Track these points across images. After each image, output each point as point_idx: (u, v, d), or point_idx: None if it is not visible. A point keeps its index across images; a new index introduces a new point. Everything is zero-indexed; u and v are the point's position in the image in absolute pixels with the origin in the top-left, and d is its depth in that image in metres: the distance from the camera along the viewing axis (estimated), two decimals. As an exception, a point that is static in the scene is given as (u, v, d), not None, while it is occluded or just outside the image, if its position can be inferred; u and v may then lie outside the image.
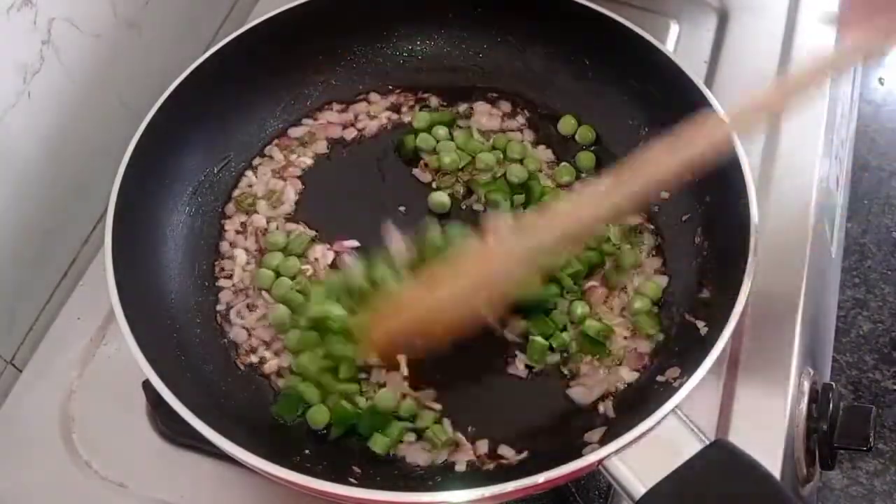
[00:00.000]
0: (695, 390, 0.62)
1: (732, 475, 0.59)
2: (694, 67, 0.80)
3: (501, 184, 0.82)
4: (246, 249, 0.80)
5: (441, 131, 0.85)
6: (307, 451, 0.69)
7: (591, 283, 0.77)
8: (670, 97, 0.79)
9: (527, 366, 0.73)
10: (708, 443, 0.60)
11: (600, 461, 0.60)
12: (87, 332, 0.82)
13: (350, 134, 0.87)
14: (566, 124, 0.86)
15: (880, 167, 1.58)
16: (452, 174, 0.83)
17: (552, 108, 0.87)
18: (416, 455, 0.69)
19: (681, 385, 0.63)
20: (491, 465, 0.68)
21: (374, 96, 0.89)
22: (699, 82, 0.77)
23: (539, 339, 0.73)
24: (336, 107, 0.88)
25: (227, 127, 0.84)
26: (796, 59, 0.95)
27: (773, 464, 0.71)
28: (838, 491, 1.29)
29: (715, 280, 0.73)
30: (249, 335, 0.76)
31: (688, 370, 0.64)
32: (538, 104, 0.87)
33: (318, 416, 0.70)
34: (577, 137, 0.85)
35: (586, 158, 0.84)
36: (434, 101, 0.88)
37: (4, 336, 0.82)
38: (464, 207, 0.82)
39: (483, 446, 0.70)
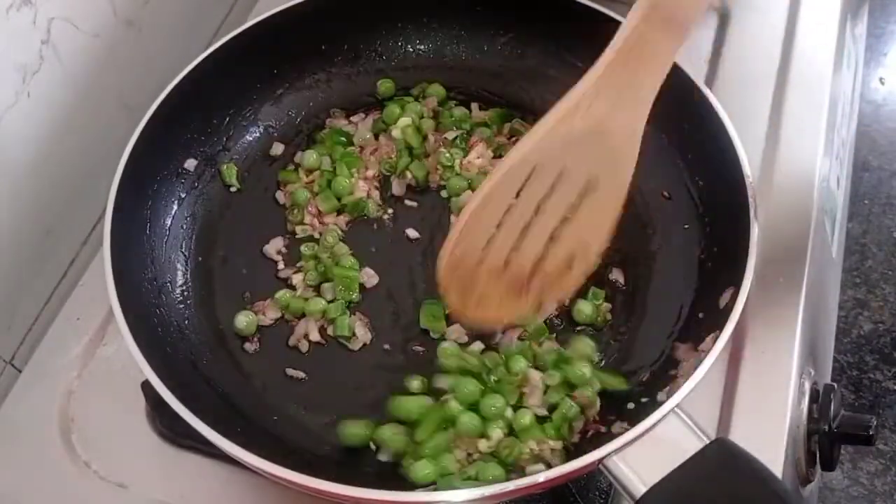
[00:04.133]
0: (696, 389, 0.62)
1: (733, 474, 0.59)
2: (694, 67, 0.80)
3: None
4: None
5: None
6: (307, 451, 0.69)
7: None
8: (670, 97, 0.79)
9: None
10: (708, 442, 0.60)
11: (600, 460, 0.60)
12: (87, 332, 0.82)
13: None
14: None
15: (881, 167, 1.58)
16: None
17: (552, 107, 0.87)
18: None
19: (682, 384, 0.62)
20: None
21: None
22: (700, 82, 0.77)
23: None
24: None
25: (226, 126, 0.84)
26: (797, 59, 0.96)
27: (773, 463, 0.71)
28: (839, 491, 1.29)
29: (716, 280, 0.73)
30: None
31: (689, 369, 0.64)
32: (537, 104, 0.87)
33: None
34: None
35: None
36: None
37: (4, 336, 0.82)
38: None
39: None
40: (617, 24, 0.80)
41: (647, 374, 0.71)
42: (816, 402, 0.78)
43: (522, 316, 0.73)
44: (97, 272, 0.80)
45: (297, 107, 0.88)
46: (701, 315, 0.71)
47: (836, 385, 0.80)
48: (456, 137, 0.84)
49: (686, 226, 0.78)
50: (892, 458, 1.31)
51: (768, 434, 0.73)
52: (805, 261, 0.82)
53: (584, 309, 0.75)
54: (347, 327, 0.75)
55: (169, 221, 0.79)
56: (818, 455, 0.78)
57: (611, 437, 0.61)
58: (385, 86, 0.88)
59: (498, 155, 0.84)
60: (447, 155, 0.83)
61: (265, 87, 0.86)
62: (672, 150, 0.81)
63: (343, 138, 0.85)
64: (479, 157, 0.83)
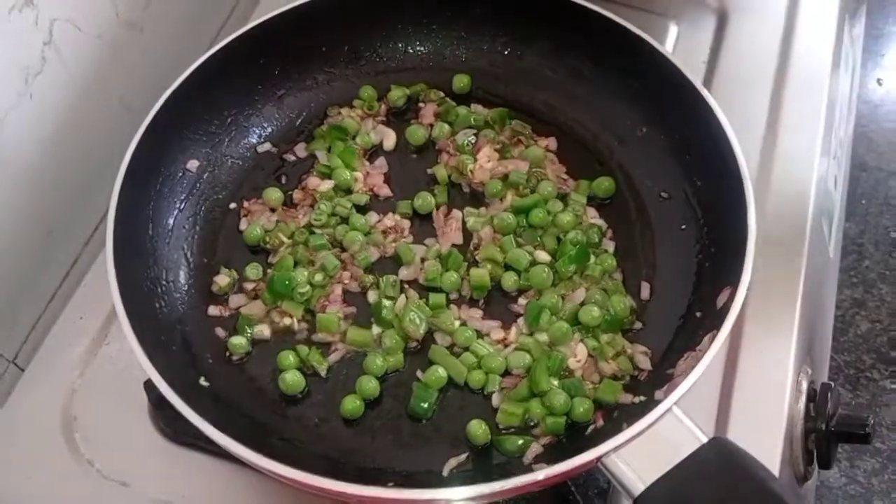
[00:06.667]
0: (693, 388, 0.62)
1: (730, 473, 0.59)
2: (693, 68, 0.81)
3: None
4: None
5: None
6: (308, 450, 0.70)
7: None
8: (669, 98, 0.80)
9: None
10: (706, 440, 0.60)
11: (599, 458, 0.60)
12: (90, 331, 0.82)
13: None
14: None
15: (878, 167, 1.59)
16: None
17: (550, 107, 0.87)
18: None
19: (679, 383, 0.63)
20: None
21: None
22: (698, 83, 0.77)
23: None
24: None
25: (227, 127, 0.85)
26: (795, 59, 0.96)
27: (771, 462, 0.72)
28: (836, 489, 1.29)
29: (714, 279, 0.73)
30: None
31: (687, 368, 0.65)
32: (536, 104, 0.88)
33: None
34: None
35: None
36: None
37: (7, 335, 0.83)
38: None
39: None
40: (615, 23, 0.81)
41: (646, 372, 0.71)
42: (814, 401, 0.78)
43: None
44: (100, 272, 0.80)
45: (299, 108, 0.88)
46: (698, 314, 0.72)
47: (833, 384, 0.80)
48: (465, 142, 0.84)
49: (683, 226, 0.78)
50: (888, 456, 1.32)
51: (765, 432, 0.74)
52: (802, 261, 0.83)
53: (592, 311, 0.75)
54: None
55: (171, 221, 0.79)
56: (815, 453, 0.79)
57: (609, 435, 0.61)
58: (367, 93, 0.88)
59: (503, 156, 0.84)
60: (464, 159, 0.83)
61: (266, 88, 0.87)
62: (670, 150, 0.81)
63: (342, 134, 0.85)
64: (489, 161, 0.83)
